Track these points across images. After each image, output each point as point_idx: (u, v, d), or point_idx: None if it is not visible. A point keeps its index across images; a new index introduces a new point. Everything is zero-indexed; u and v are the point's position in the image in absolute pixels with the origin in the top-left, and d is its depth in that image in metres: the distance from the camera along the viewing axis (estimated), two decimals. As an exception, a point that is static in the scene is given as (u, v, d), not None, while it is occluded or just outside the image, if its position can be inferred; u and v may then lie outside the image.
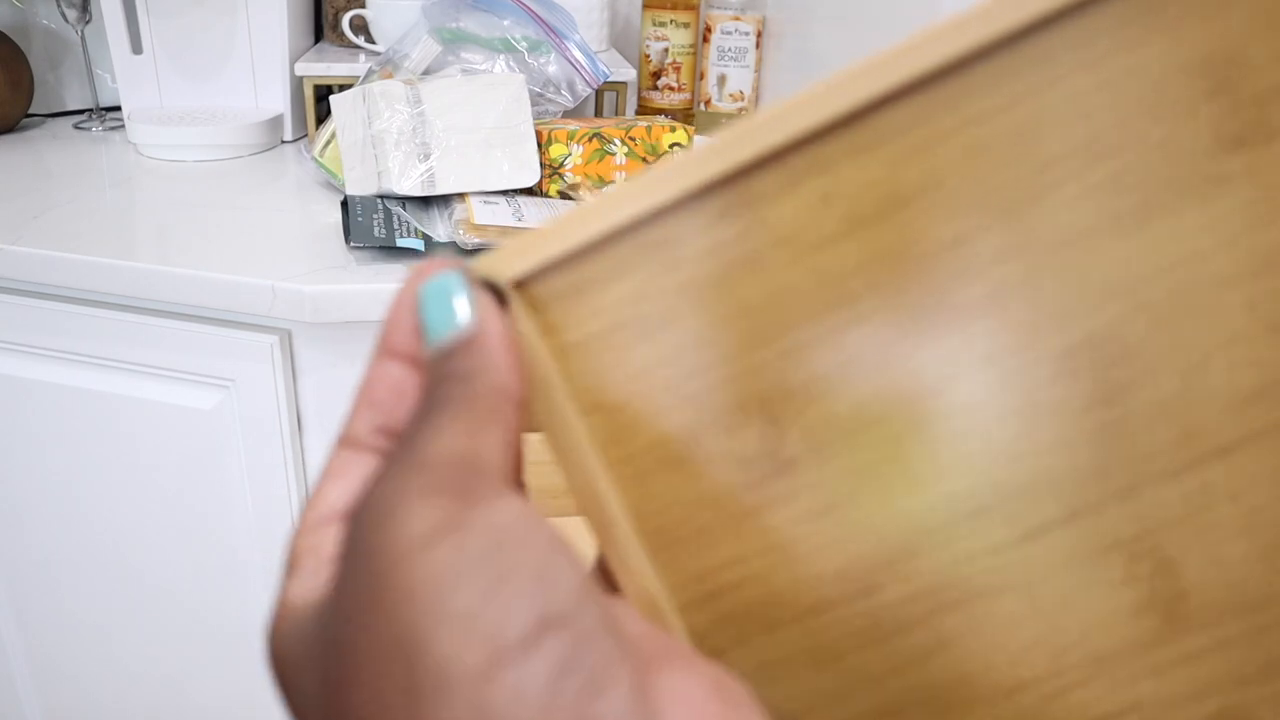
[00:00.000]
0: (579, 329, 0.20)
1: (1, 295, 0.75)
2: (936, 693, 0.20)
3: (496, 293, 0.20)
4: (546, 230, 0.19)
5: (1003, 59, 0.18)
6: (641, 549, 0.20)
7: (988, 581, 0.19)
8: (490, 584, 0.15)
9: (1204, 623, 0.19)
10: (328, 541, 0.19)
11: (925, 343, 0.19)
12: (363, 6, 1.02)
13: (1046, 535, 0.19)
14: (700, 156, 0.19)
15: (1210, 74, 0.17)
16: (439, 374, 0.19)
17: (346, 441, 0.20)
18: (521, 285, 0.20)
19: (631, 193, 0.19)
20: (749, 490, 0.20)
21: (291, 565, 0.20)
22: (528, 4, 0.87)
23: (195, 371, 0.73)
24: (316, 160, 0.87)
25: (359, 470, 0.20)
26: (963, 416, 0.19)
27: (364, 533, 0.17)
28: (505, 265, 0.19)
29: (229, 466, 0.76)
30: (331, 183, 0.88)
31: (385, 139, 0.76)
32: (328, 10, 1.09)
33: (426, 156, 0.76)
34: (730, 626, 0.20)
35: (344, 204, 0.74)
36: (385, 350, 0.20)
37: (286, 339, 0.71)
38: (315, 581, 0.19)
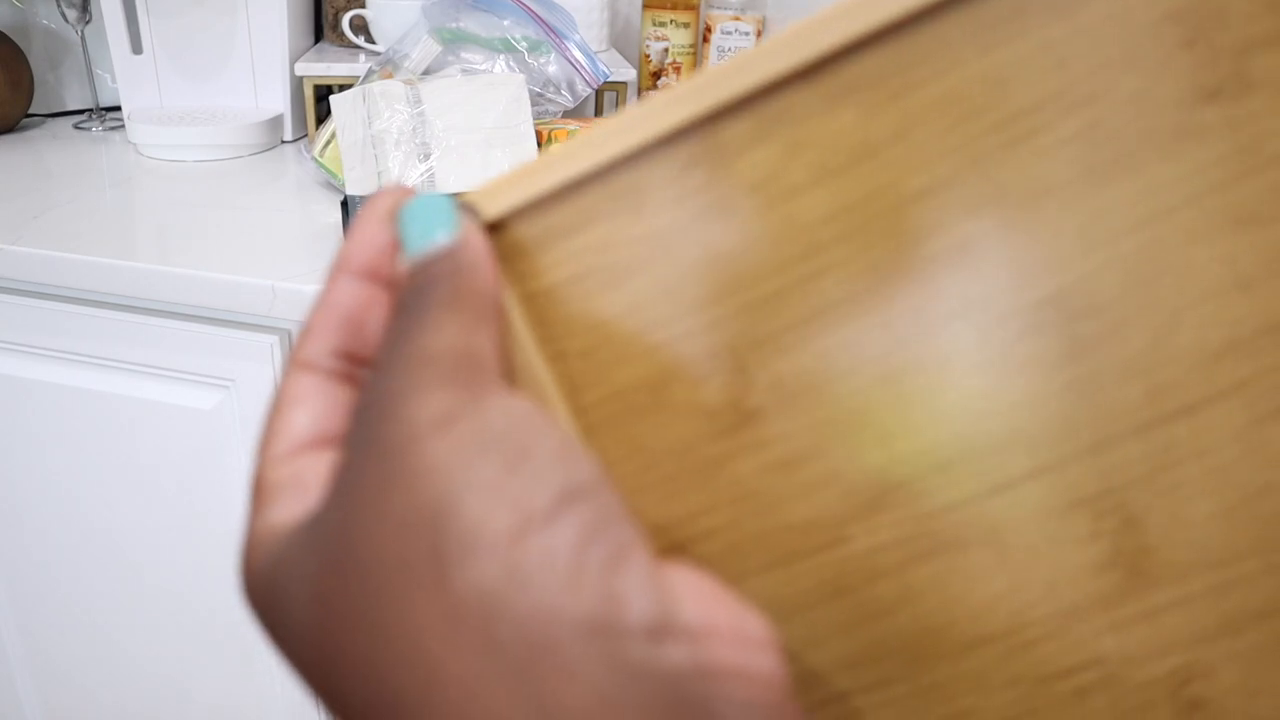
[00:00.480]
0: (544, 276, 0.20)
1: (1, 295, 0.75)
2: (904, 643, 0.20)
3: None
4: (513, 176, 0.19)
5: (976, 6, 0.17)
6: None
7: (955, 535, 0.19)
8: (513, 457, 0.16)
9: (1167, 579, 0.19)
10: (309, 469, 0.19)
11: (894, 295, 0.19)
12: (363, 6, 1.02)
13: (1013, 490, 0.19)
14: (667, 103, 0.18)
15: (1186, 22, 0.17)
16: (422, 279, 0.18)
17: (303, 365, 0.20)
18: (487, 231, 0.20)
19: (598, 139, 0.19)
20: (715, 440, 0.20)
21: (264, 496, 0.19)
22: (528, 4, 0.87)
23: (195, 371, 0.73)
24: (316, 160, 0.87)
25: (323, 397, 0.20)
26: (931, 370, 0.19)
27: (372, 423, 0.16)
28: (478, 207, 0.19)
29: (229, 466, 0.76)
30: (331, 183, 0.88)
31: (385, 139, 0.76)
32: (328, 10, 1.09)
33: (426, 156, 0.76)
34: None
35: (344, 204, 0.74)
36: (346, 267, 0.20)
37: (286, 339, 0.71)
38: (299, 506, 0.18)
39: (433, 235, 0.19)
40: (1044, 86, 0.17)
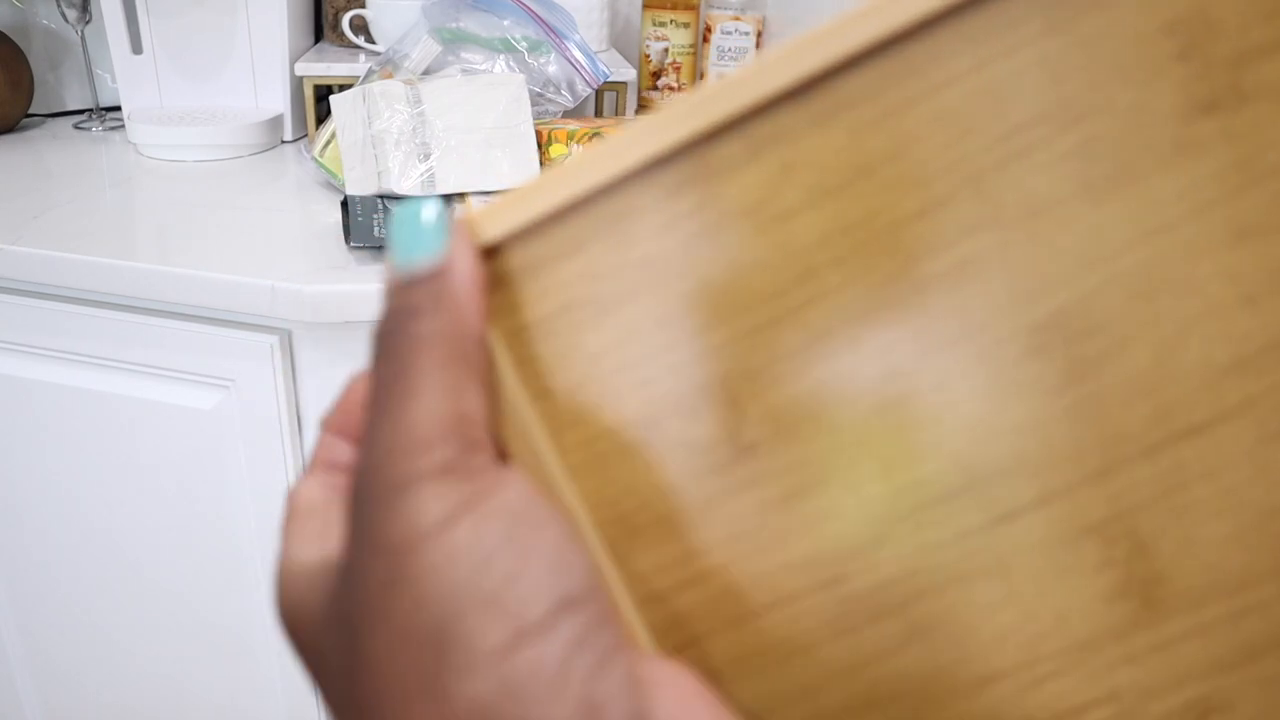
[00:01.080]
0: (529, 310, 0.19)
1: (1, 295, 0.75)
2: (910, 685, 0.19)
3: None
4: (494, 206, 0.19)
5: (969, 21, 0.17)
6: (598, 543, 0.20)
7: (960, 568, 0.19)
8: (512, 567, 0.16)
9: (1181, 607, 0.18)
10: (337, 504, 0.20)
11: (892, 319, 0.18)
12: (363, 6, 1.02)
13: (1020, 519, 0.18)
14: (654, 126, 0.18)
15: (1180, 35, 0.17)
16: (402, 308, 0.18)
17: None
18: (482, 257, 0.19)
19: (583, 165, 0.18)
20: (709, 477, 0.19)
21: (294, 521, 0.20)
22: (528, 4, 0.87)
23: (195, 371, 0.73)
24: (316, 160, 0.87)
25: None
26: (931, 396, 0.18)
27: (371, 517, 0.17)
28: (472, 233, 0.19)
29: (229, 466, 0.76)
30: (331, 183, 0.88)
31: (385, 139, 0.76)
32: (328, 10, 1.09)
33: (426, 156, 0.76)
34: (695, 620, 0.20)
35: (344, 204, 0.74)
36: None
37: (286, 339, 0.71)
38: (323, 547, 0.19)
39: (419, 250, 0.18)
40: (1040, 101, 0.17)
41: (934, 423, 0.18)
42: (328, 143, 0.86)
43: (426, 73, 0.86)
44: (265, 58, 1.01)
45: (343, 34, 1.04)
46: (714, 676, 0.20)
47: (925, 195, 0.18)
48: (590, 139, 0.81)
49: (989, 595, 0.19)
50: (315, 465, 0.21)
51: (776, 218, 0.18)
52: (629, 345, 0.19)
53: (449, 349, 0.18)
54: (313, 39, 1.11)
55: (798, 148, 0.18)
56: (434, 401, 0.17)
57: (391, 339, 0.18)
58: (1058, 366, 0.18)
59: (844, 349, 0.18)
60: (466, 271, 0.18)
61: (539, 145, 0.80)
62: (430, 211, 0.18)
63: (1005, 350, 0.18)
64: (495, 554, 0.16)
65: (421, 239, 0.18)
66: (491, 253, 0.19)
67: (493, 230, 0.19)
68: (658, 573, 0.20)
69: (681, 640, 0.20)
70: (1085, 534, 0.18)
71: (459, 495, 0.16)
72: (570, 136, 0.80)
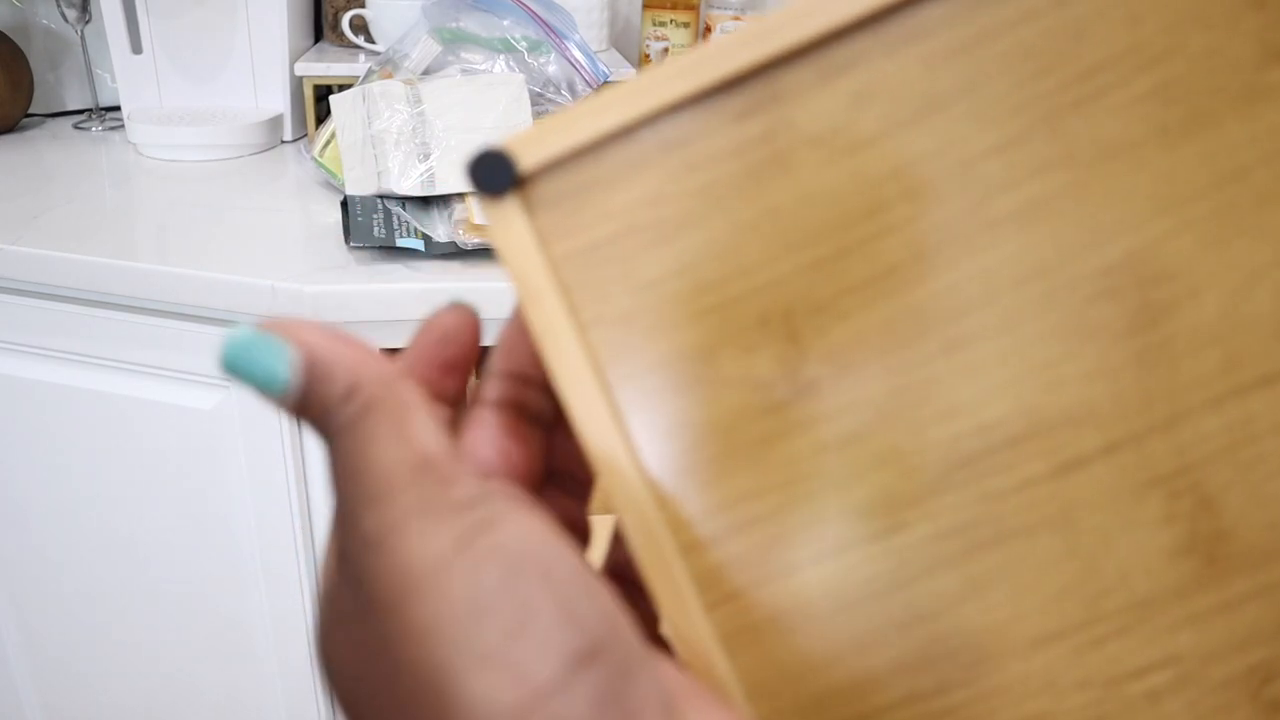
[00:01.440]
0: (583, 235, 0.18)
1: (1, 295, 0.75)
2: (966, 641, 0.19)
3: (513, 180, 0.18)
4: (553, 123, 0.18)
5: None
6: (642, 484, 0.19)
7: (1022, 519, 0.18)
8: (514, 620, 0.15)
9: (1245, 567, 0.18)
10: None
11: (960, 256, 0.18)
12: (363, 6, 1.02)
13: (1084, 469, 0.18)
14: (724, 50, 0.17)
15: None
16: (312, 421, 0.17)
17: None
18: (519, 185, 0.18)
19: (648, 86, 0.18)
20: (765, 416, 0.18)
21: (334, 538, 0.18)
22: (528, 4, 0.87)
23: (195, 371, 0.73)
24: (316, 160, 0.87)
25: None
26: (999, 338, 0.18)
27: (360, 568, 0.16)
28: (513, 155, 0.18)
29: (229, 466, 0.76)
30: (331, 183, 0.88)
31: (385, 139, 0.76)
32: (328, 10, 1.09)
33: (426, 156, 0.76)
34: (743, 569, 0.19)
35: (344, 204, 0.74)
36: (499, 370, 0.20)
37: (286, 339, 0.71)
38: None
39: (274, 370, 0.16)
40: (1117, 42, 0.17)
41: (1000, 365, 0.18)
42: (327, 143, 0.86)
43: (426, 73, 0.86)
44: (265, 58, 1.01)
45: (343, 34, 1.04)
46: (752, 633, 0.19)
47: (998, 132, 0.17)
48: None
49: (1050, 549, 0.18)
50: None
51: (847, 148, 0.18)
52: (688, 275, 0.18)
53: (374, 415, 0.16)
54: (313, 39, 1.11)
55: (871, 77, 0.18)
56: (386, 453, 0.16)
57: (328, 449, 0.17)
58: (1127, 311, 0.18)
59: (911, 285, 0.18)
60: (323, 345, 0.17)
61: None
62: (246, 335, 0.17)
63: (1074, 292, 0.18)
64: (491, 605, 0.15)
65: (265, 360, 0.17)
66: (543, 175, 0.18)
67: (545, 151, 0.18)
68: (705, 517, 0.19)
69: (721, 595, 0.19)
70: (1151, 486, 0.18)
71: (449, 533, 0.15)
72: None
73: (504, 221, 0.19)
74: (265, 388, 0.16)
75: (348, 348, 0.17)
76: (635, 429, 0.19)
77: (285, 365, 0.16)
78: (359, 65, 0.97)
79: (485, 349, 0.21)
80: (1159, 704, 0.18)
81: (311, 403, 0.17)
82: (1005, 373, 0.18)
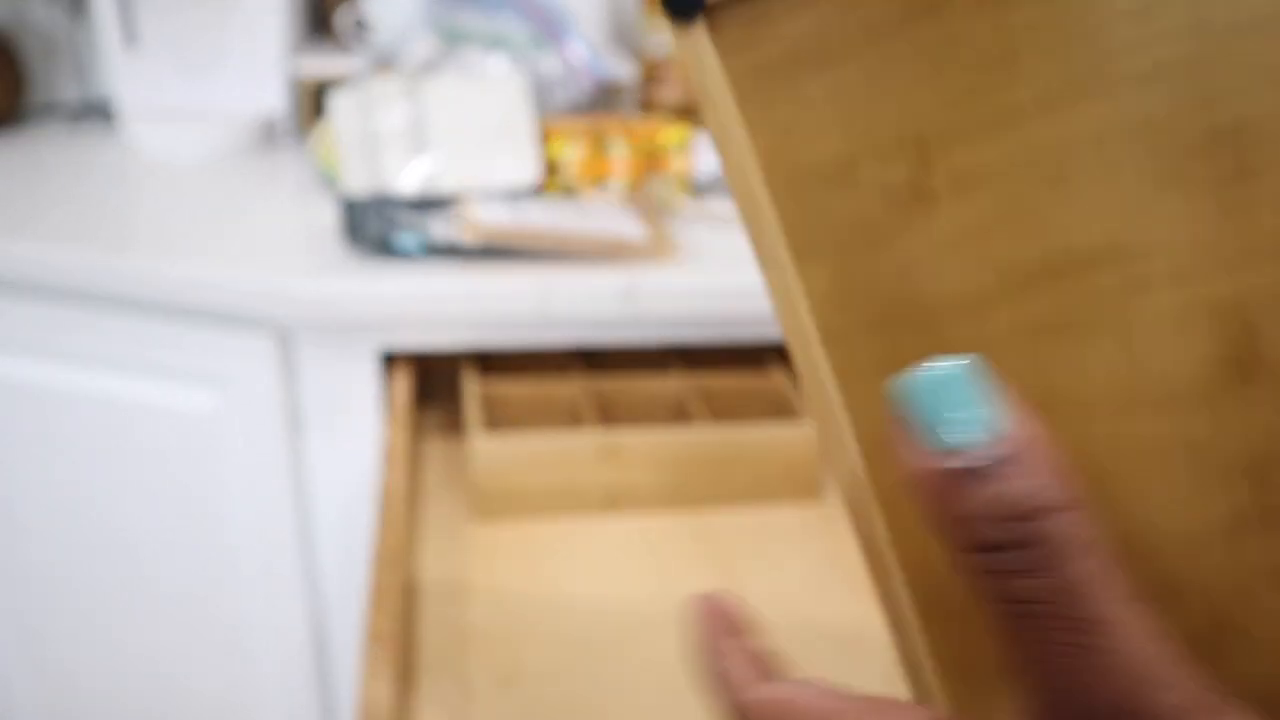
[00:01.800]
0: (757, 52, 0.22)
1: (1, 295, 0.75)
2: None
3: (701, 4, 0.21)
4: None
5: None
6: (785, 258, 0.23)
7: (1090, 320, 0.20)
8: None
9: (1270, 378, 0.19)
10: None
11: (1079, 104, 0.20)
12: (361, 2, 1.02)
13: (1151, 291, 0.20)
14: None
15: None
16: (998, 532, 0.15)
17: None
18: (706, 10, 0.21)
19: None
20: (889, 213, 0.22)
21: None
22: (527, 2, 0.87)
23: (194, 372, 0.73)
24: (315, 159, 0.87)
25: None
26: (1101, 177, 0.20)
27: None
28: None
29: (227, 466, 0.76)
30: (329, 181, 0.87)
31: (384, 137, 0.75)
32: (326, 8, 1.09)
33: (425, 155, 0.76)
34: (857, 315, 0.23)
35: (343, 204, 0.73)
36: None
37: (286, 339, 0.71)
38: None
39: (975, 427, 0.15)
40: None
41: (1099, 199, 0.20)
42: (326, 141, 0.86)
43: (425, 71, 0.85)
44: (263, 56, 1.01)
45: (341, 30, 1.03)
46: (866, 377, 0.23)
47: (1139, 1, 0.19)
48: (590, 138, 0.80)
49: (1107, 349, 0.20)
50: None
51: (995, 0, 0.20)
52: (841, 96, 0.21)
53: (1101, 570, 0.15)
54: (311, 37, 1.11)
55: None
56: (1141, 632, 0.15)
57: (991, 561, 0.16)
58: (1223, 167, 0.19)
59: (1031, 123, 0.20)
60: (1041, 439, 0.16)
61: (539, 144, 0.79)
62: (963, 374, 0.16)
63: (1179, 145, 0.19)
64: None
65: (968, 413, 0.16)
66: (723, 3, 0.21)
67: None
68: (835, 291, 0.23)
69: (843, 337, 0.23)
70: (1205, 312, 0.19)
71: None
72: (570, 136, 0.80)
73: (691, 40, 0.22)
74: (952, 429, 0.15)
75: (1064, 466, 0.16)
76: (785, 213, 0.23)
77: (991, 425, 0.15)
78: (357, 62, 0.96)
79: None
80: (1167, 461, 0.20)
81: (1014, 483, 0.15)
82: (1101, 205, 0.20)
